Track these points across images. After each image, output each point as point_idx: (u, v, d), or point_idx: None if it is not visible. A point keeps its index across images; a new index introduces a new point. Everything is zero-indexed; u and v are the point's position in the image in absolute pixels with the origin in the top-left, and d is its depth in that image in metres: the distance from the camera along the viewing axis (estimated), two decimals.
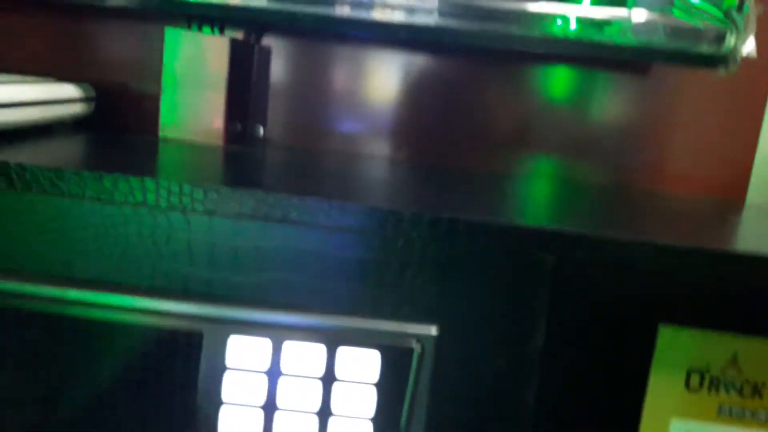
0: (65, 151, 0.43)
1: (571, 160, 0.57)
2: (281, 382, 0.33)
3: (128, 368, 0.34)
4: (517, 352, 0.33)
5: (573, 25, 0.44)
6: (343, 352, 0.33)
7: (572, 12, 0.44)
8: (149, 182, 0.33)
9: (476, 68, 0.56)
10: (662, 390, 0.34)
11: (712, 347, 0.33)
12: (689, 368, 0.34)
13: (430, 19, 0.45)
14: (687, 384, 0.34)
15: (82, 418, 0.35)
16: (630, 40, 0.44)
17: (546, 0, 0.44)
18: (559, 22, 0.45)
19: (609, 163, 0.57)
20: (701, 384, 0.34)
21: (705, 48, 0.43)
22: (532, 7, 0.44)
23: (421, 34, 0.46)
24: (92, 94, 0.54)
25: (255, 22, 0.53)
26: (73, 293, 0.33)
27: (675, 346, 0.33)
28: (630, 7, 0.44)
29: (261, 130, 0.56)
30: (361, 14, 0.45)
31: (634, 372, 0.34)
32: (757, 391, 0.34)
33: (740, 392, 0.34)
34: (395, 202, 0.33)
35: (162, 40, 0.50)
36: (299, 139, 0.58)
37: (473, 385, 0.33)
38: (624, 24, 0.44)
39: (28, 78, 0.50)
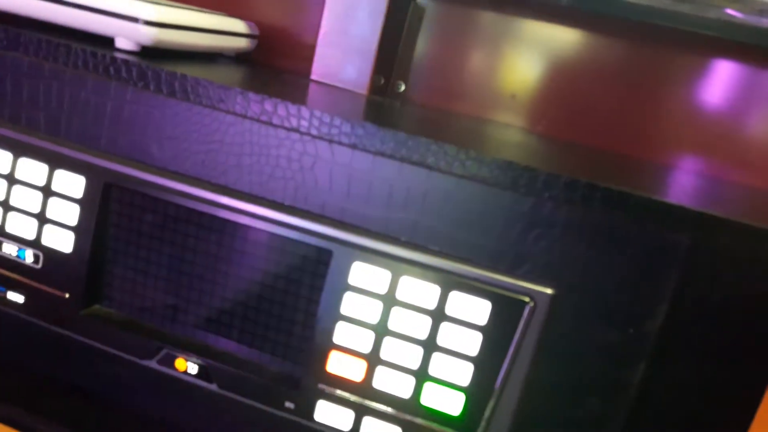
0: (231, 76, 0.47)
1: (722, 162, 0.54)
2: (394, 310, 0.35)
3: (263, 272, 0.38)
4: (631, 331, 0.32)
5: None
6: (456, 296, 0.35)
7: None
8: (305, 110, 0.36)
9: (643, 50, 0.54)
10: None
11: None
12: None
13: None
14: None
15: (211, 307, 0.40)
16: None
17: None
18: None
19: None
20: None
21: None
22: None
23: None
24: (256, 32, 0.59)
25: None
26: (225, 199, 0.38)
27: None
28: None
29: (402, 86, 0.58)
30: None
31: (754, 375, 0.32)
32: None
33: None
34: (532, 161, 0.33)
35: None
36: (436, 100, 0.59)
37: (580, 354, 0.33)
38: None
39: (203, 9, 0.55)
